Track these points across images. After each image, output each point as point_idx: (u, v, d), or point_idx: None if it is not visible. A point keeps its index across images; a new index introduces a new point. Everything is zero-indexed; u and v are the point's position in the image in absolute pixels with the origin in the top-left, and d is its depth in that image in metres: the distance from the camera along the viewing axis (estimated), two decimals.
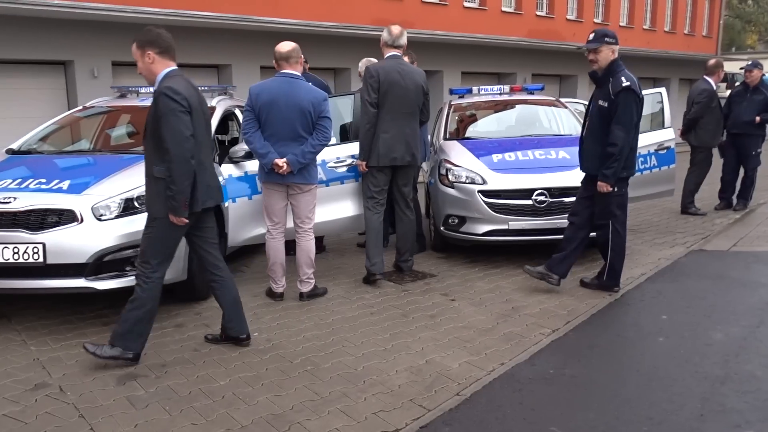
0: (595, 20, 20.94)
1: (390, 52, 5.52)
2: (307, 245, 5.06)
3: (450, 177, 6.11)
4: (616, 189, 4.91)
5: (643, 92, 7.84)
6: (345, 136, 6.13)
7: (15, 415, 3.27)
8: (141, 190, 4.48)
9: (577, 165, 5.92)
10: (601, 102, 4.85)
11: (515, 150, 6.31)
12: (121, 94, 6.63)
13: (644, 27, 23.43)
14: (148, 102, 6.12)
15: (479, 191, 5.88)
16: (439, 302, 5.02)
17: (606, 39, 4.83)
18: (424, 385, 3.62)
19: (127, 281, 4.39)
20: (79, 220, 4.25)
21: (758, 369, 3.78)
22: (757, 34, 46.99)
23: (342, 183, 5.77)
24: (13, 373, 3.74)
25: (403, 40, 5.57)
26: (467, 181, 5.98)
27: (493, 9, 17.92)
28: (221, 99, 6.15)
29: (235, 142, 6.58)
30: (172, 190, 3.62)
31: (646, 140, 7.34)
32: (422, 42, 15.72)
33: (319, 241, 6.69)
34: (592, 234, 5.23)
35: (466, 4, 17.34)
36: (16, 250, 4.16)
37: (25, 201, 4.27)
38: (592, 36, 4.88)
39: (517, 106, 7.79)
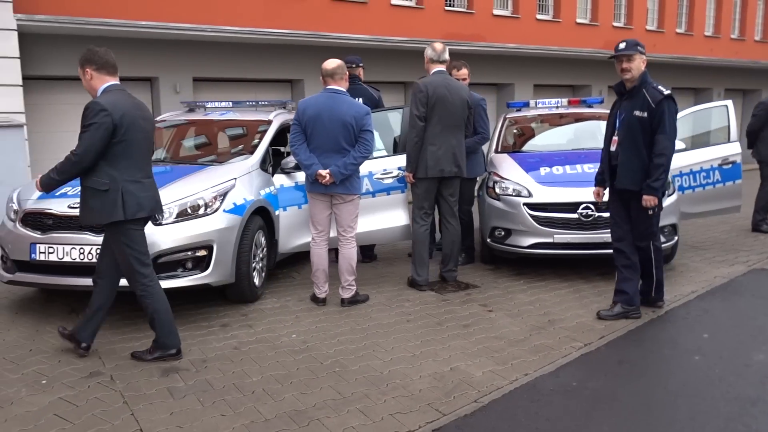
0: (678, 30, 20.29)
1: (436, 68, 5.70)
2: (348, 253, 5.26)
3: (497, 189, 6.18)
4: (657, 208, 4.72)
5: (708, 105, 7.74)
6: (395, 148, 6.31)
7: (69, 398, 3.61)
8: (194, 198, 4.86)
9: None
10: (638, 113, 4.65)
11: (564, 164, 6.30)
12: (190, 108, 7.09)
13: (732, 36, 22.45)
14: (212, 116, 6.60)
15: (524, 204, 5.93)
16: (476, 312, 5.10)
17: (638, 47, 4.73)
18: (444, 390, 3.73)
19: (179, 282, 4.74)
20: None
21: None
22: None
23: (388, 194, 5.97)
24: (73, 362, 4.11)
25: (447, 56, 5.75)
26: (513, 194, 6.04)
27: (568, 21, 17.69)
28: (278, 113, 6.47)
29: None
30: (53, 174, 3.87)
31: (710, 155, 7.18)
32: (493, 55, 15.78)
33: (369, 249, 6.91)
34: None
35: (539, 17, 17.20)
36: (82, 251, 4.57)
37: None
38: (623, 44, 4.76)
39: (574, 119, 7.75)
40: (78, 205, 4.62)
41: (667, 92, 4.64)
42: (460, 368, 4.04)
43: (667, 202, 6.03)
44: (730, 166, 7.17)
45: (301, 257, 6.68)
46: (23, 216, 4.80)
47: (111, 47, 10.75)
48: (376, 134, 6.34)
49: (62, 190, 4.92)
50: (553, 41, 17.02)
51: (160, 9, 11.15)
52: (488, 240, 6.27)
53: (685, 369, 4.03)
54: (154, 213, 4.15)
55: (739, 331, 4.65)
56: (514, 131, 7.84)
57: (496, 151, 7.04)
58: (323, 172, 5.02)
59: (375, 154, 5.88)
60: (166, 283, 4.66)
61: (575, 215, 5.77)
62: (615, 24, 19.01)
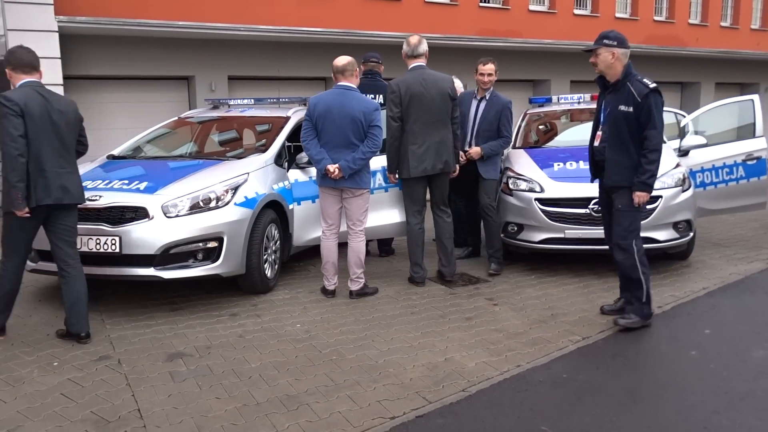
0: (722, 24, 19.73)
1: (412, 63, 5.61)
2: (357, 246, 5.37)
3: (510, 185, 6.21)
4: (642, 204, 4.56)
5: (733, 100, 7.58)
6: None
7: (76, 379, 3.83)
8: (205, 192, 5.05)
9: None
10: (623, 108, 4.51)
11: (579, 159, 6.26)
12: (214, 105, 7.31)
13: None
14: (233, 113, 6.80)
15: (536, 199, 5.94)
16: (480, 306, 5.15)
17: (605, 41, 4.57)
18: (434, 380, 3.81)
19: (190, 272, 4.93)
20: (150, 216, 4.83)
21: None
22: None
23: (400, 189, 6.04)
24: (85, 346, 4.33)
25: (422, 49, 5.59)
26: (526, 189, 6.06)
27: (606, 16, 17.42)
28: (297, 110, 6.61)
29: None
30: (6, 185, 4.07)
31: (733, 150, 7.05)
32: (528, 51, 15.66)
33: (387, 244, 7.01)
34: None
35: (577, 12, 17.00)
36: (98, 241, 4.80)
37: (108, 199, 4.91)
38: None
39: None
40: (96, 198, 4.89)
41: (652, 85, 4.48)
42: (454, 359, 4.11)
43: (683, 197, 5.97)
44: (755, 161, 7.02)
45: (316, 251, 6.82)
46: None
47: (149, 47, 11.18)
48: None
49: (83, 184, 5.18)
50: (591, 36, 16.52)
51: (195, 9, 11.47)
52: (502, 235, 6.29)
53: (679, 364, 4.01)
54: (63, 201, 4.29)
55: (743, 327, 4.59)
56: (540, 127, 7.83)
57: (514, 147, 7.05)
58: (332, 167, 5.14)
59: None
60: (177, 273, 4.89)
61: (586, 210, 5.76)
62: (656, 18, 18.63)
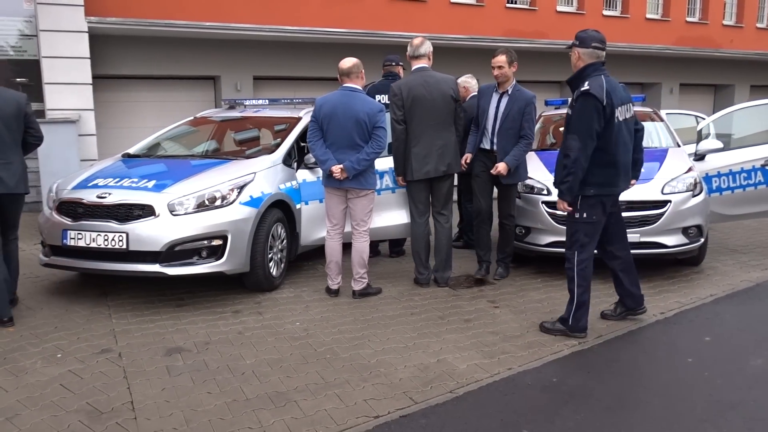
0: (758, 25, 19.27)
1: (415, 65, 5.61)
2: (361, 246, 5.42)
3: (519, 187, 6.18)
4: (585, 215, 4.38)
5: (752, 104, 7.43)
6: None
7: (76, 371, 3.95)
8: (211, 191, 5.16)
9: (650, 178, 5.83)
10: (569, 110, 4.40)
11: None
12: (230, 106, 7.44)
13: None
14: (247, 113, 6.92)
15: (543, 202, 5.91)
16: (481, 308, 5.16)
17: (573, 42, 4.42)
18: (423, 380, 3.84)
19: (195, 269, 5.04)
20: (157, 214, 4.95)
21: None
22: None
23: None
24: (89, 339, 4.47)
25: (423, 50, 5.57)
26: (534, 192, 6.03)
27: (637, 16, 17.17)
28: (308, 111, 6.67)
29: None
30: None
31: (752, 155, 6.92)
32: (555, 53, 15.51)
33: (398, 245, 7.03)
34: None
35: (606, 12, 16.79)
36: (106, 238, 4.94)
37: (117, 196, 5.05)
38: None
39: None
40: (105, 195, 5.04)
41: (584, 88, 4.22)
42: (446, 360, 4.13)
43: (693, 202, 5.89)
44: None
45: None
46: (58, 204, 5.23)
47: (176, 48, 11.37)
48: None
49: (94, 181, 5.35)
50: (621, 37, 16.54)
51: (222, 10, 11.66)
52: None
53: (673, 370, 3.97)
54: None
55: (745, 335, 4.52)
56: (548, 129, 7.77)
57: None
58: (336, 167, 5.20)
59: None
60: (182, 270, 5.00)
61: None
62: (688, 19, 18.29)
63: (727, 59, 18.68)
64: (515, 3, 15.46)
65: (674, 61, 17.88)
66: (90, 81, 10.19)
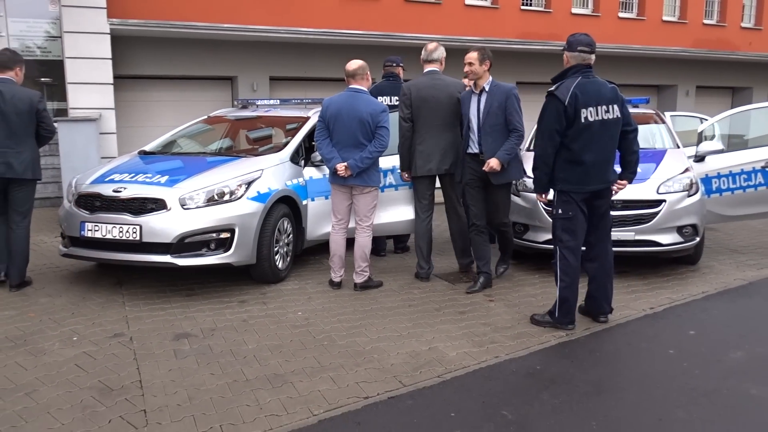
0: None
1: (426, 68, 5.88)
2: (363, 241, 5.65)
3: (518, 186, 6.37)
4: (561, 211, 4.60)
5: (752, 106, 7.53)
6: None
7: (90, 353, 4.23)
8: (220, 186, 5.43)
9: (646, 177, 5.99)
10: None
11: None
12: (243, 105, 7.72)
13: None
14: (258, 112, 7.19)
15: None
16: (477, 301, 5.36)
17: (564, 46, 4.67)
18: (414, 366, 4.06)
19: (203, 260, 5.31)
20: (168, 208, 5.23)
21: (756, 387, 3.75)
22: None
23: (410, 188, 6.29)
24: (103, 324, 4.76)
25: (437, 55, 5.83)
26: (531, 190, 6.19)
27: (653, 19, 17.20)
28: (317, 111, 6.92)
29: None
30: None
31: (752, 157, 7.03)
32: None
33: (402, 241, 7.24)
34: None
35: (622, 15, 16.84)
36: (121, 230, 5.23)
37: (131, 191, 5.34)
38: None
39: None
40: (121, 189, 5.34)
41: (551, 89, 4.55)
42: (437, 348, 4.34)
43: (689, 202, 6.03)
44: None
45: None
46: (77, 198, 5.54)
47: (194, 48, 11.78)
48: None
49: (111, 176, 5.65)
50: (636, 40, 16.60)
51: (239, 12, 11.96)
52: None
53: (653, 361, 4.15)
54: (5, 175, 5.37)
55: (729, 330, 4.67)
56: None
57: (527, 150, 7.19)
58: (340, 165, 5.44)
59: None
60: (191, 261, 5.27)
61: None
62: (706, 21, 18.26)
63: (745, 61, 18.63)
64: (530, 5, 15.60)
65: (691, 64, 17.88)
66: (111, 81, 10.55)
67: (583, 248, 4.76)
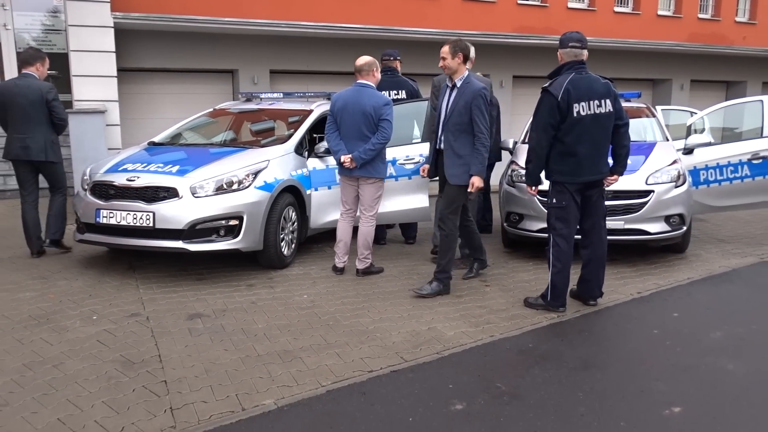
0: None
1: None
2: (366, 230, 5.92)
3: (513, 177, 6.64)
4: (555, 201, 4.86)
5: (742, 100, 7.80)
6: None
7: (110, 330, 4.50)
8: (228, 176, 5.69)
9: (636, 169, 6.26)
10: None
11: None
12: (247, 98, 7.96)
13: None
14: (262, 105, 7.43)
15: None
16: (474, 287, 5.64)
17: (558, 44, 4.94)
18: (414, 344, 4.33)
19: (213, 246, 5.57)
20: (180, 196, 5.49)
21: (732, 363, 4.03)
22: None
23: (409, 178, 6.56)
24: (120, 305, 5.03)
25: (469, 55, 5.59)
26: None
27: (648, 13, 17.44)
28: (320, 104, 7.21)
29: None
30: None
31: (739, 149, 7.30)
32: None
33: (412, 231, 7.44)
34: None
35: (617, 9, 17.07)
36: (135, 216, 5.49)
37: (145, 180, 5.60)
38: None
39: None
40: (135, 178, 5.59)
41: (545, 85, 4.81)
42: (436, 328, 4.62)
43: (676, 192, 6.31)
44: (761, 161, 7.25)
45: (335, 234, 7.39)
46: (92, 186, 5.80)
47: (196, 42, 12.04)
48: (414, 123, 6.97)
49: (124, 166, 5.90)
50: (632, 34, 16.84)
51: (241, 6, 12.18)
52: (505, 224, 6.75)
53: (638, 340, 4.43)
54: (21, 158, 6.19)
55: (711, 313, 4.96)
56: None
57: (522, 142, 7.46)
58: (344, 157, 5.70)
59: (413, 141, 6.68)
60: (202, 247, 5.54)
61: None
62: (700, 16, 18.52)
63: (739, 56, 18.88)
64: (527, 0, 15.84)
65: (685, 58, 18.13)
66: (115, 73, 10.74)
67: (579, 237, 5.03)
